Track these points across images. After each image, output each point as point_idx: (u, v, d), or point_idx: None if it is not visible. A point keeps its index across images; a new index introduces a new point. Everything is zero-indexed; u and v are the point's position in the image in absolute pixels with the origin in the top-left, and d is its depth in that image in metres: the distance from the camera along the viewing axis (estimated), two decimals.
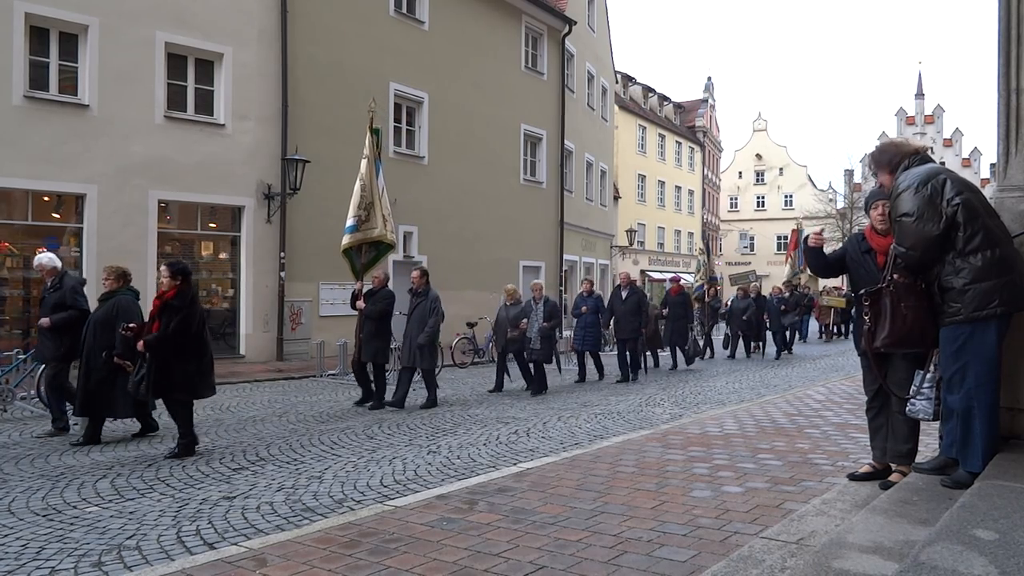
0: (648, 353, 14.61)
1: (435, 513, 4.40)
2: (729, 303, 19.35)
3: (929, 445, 4.90)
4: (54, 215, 13.46)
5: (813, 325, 26.24)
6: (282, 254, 15.50)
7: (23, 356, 9.09)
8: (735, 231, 59.97)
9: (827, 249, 4.60)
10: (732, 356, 17.87)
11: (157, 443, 7.17)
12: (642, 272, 40.87)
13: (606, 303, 13.20)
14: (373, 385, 9.65)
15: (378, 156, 10.33)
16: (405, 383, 9.59)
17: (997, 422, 3.50)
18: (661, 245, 45.16)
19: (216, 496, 5.21)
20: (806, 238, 4.64)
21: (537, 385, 11.00)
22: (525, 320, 11.05)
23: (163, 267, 6.84)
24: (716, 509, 4.40)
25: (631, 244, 37.07)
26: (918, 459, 4.13)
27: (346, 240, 9.96)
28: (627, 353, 12.69)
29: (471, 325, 16.22)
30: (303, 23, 15.98)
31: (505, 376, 11.47)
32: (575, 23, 25.14)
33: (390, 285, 10.30)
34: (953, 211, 3.44)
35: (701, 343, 18.09)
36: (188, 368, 6.54)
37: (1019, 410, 3.74)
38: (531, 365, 11.16)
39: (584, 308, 12.62)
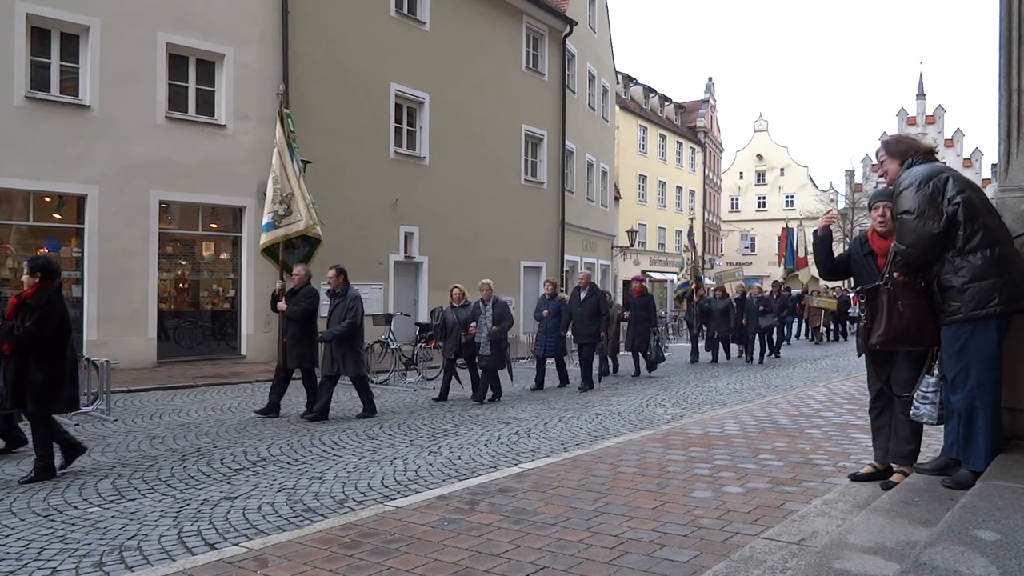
0: (608, 358, 13.78)
1: (436, 513, 4.40)
2: (708, 303, 18.13)
3: (931, 446, 4.89)
4: (55, 215, 13.47)
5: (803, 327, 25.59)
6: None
7: None
8: (736, 231, 59.97)
9: (836, 249, 4.64)
10: (715, 360, 16.56)
11: (158, 443, 7.17)
12: (643, 272, 40.88)
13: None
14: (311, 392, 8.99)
15: (292, 141, 9.44)
16: (325, 392, 8.74)
17: (1000, 422, 3.50)
18: (662, 245, 45.15)
19: (217, 496, 5.21)
20: (815, 232, 4.68)
21: (482, 392, 10.19)
22: (475, 324, 10.32)
23: (25, 263, 6.22)
24: (717, 510, 4.40)
25: (632, 244, 37.08)
26: (920, 459, 4.13)
27: (264, 239, 9.31)
28: (586, 359, 11.75)
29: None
30: (304, 24, 15.99)
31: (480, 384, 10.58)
32: (576, 23, 25.15)
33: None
34: (954, 209, 3.44)
35: (687, 347, 17.37)
36: (39, 377, 5.80)
37: (1019, 410, 3.74)
38: (481, 372, 10.44)
39: (546, 311, 11.78)
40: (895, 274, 3.71)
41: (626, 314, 14.10)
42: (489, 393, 10.30)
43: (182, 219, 14.90)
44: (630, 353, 14.04)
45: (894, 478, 4.10)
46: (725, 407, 9.24)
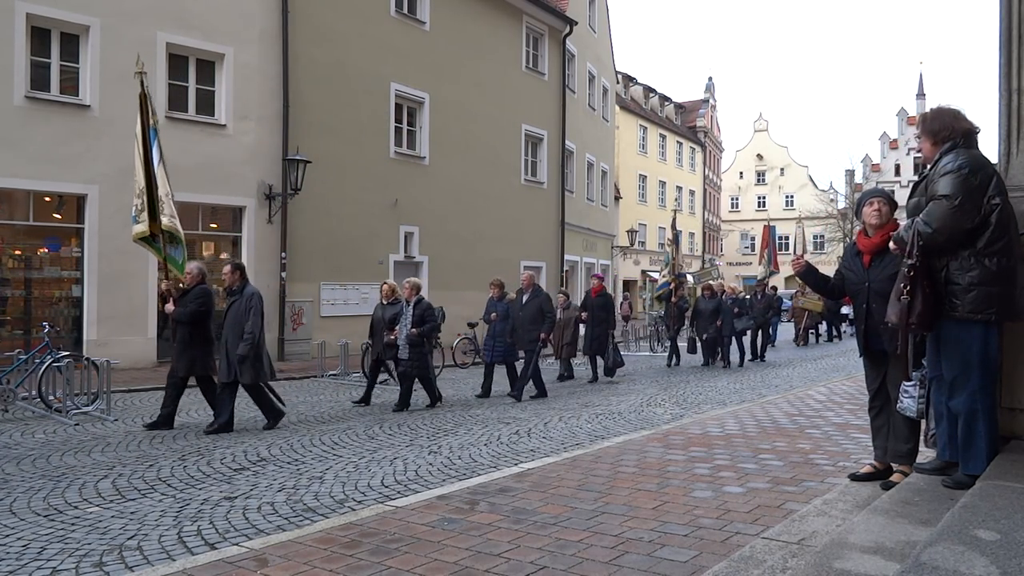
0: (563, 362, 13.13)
1: (436, 513, 4.40)
2: (687, 303, 17.16)
3: None
4: (55, 215, 13.47)
5: (785, 330, 24.40)
6: (283, 254, 15.51)
7: (24, 356, 9.11)
8: (736, 231, 60.00)
9: (823, 267, 4.59)
10: (707, 363, 15.59)
11: (158, 443, 7.17)
12: (643, 272, 40.93)
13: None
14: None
15: (153, 125, 8.47)
16: (227, 402, 7.88)
17: (996, 423, 3.50)
18: (662, 245, 45.15)
19: (217, 496, 5.21)
20: (794, 274, 4.62)
21: (400, 402, 9.42)
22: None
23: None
24: (717, 509, 4.40)
25: (632, 244, 37.10)
26: (919, 459, 4.13)
27: (136, 230, 8.69)
28: (530, 365, 10.68)
29: (472, 325, 16.21)
30: (304, 23, 15.99)
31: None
32: (576, 23, 25.15)
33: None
34: (991, 210, 3.38)
35: (678, 348, 16.15)
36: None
37: (1019, 410, 3.74)
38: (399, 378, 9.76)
39: (494, 315, 10.89)
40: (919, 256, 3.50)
41: (583, 315, 12.94)
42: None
43: (182, 219, 14.66)
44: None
45: (894, 478, 4.11)
46: (725, 407, 9.24)
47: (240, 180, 14.97)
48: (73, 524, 4.58)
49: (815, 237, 56.38)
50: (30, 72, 12.72)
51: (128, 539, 4.29)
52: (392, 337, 9.47)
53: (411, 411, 9.33)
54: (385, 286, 10.10)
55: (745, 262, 58.33)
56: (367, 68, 17.48)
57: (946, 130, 3.62)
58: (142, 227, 8.61)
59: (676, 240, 18.37)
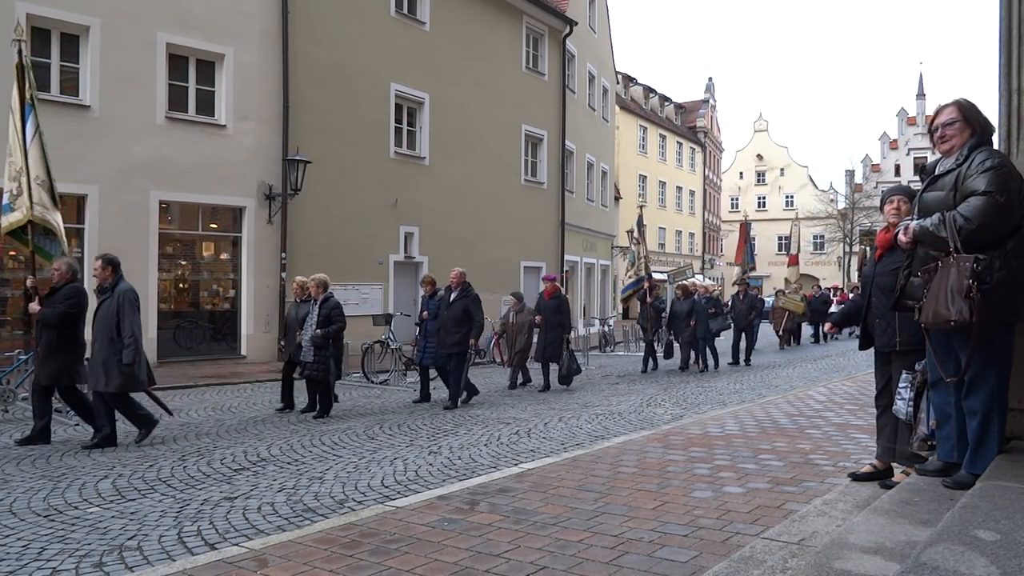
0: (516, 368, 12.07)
1: (436, 513, 4.40)
2: (663, 303, 16.08)
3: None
4: None
5: (766, 331, 22.73)
6: (283, 254, 15.51)
7: (24, 356, 9.10)
8: (736, 231, 59.99)
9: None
10: (684, 367, 14.65)
11: (158, 443, 7.17)
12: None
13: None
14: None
15: (30, 100, 7.57)
16: (105, 413, 7.01)
17: (1004, 424, 3.51)
18: (662, 246, 45.19)
19: (217, 496, 5.21)
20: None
21: (320, 409, 8.86)
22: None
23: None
24: (717, 510, 4.40)
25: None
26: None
27: (8, 220, 7.68)
28: (455, 372, 9.82)
29: None
30: (304, 24, 15.99)
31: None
32: (576, 23, 25.16)
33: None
34: None
35: (655, 352, 15.06)
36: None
37: (1020, 410, 3.74)
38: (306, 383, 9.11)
39: (425, 313, 10.26)
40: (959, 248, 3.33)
41: (538, 319, 11.96)
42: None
43: (182, 219, 14.90)
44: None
45: (895, 478, 4.11)
46: (725, 407, 9.24)
47: (240, 180, 14.97)
48: (73, 524, 4.58)
49: (815, 237, 56.45)
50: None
51: (128, 539, 4.29)
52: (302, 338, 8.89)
53: (410, 411, 9.33)
54: (295, 283, 9.47)
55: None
56: (367, 68, 17.48)
57: (988, 125, 3.54)
58: (18, 215, 7.51)
59: (642, 236, 16.73)
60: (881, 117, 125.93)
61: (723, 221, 59.58)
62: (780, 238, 57.42)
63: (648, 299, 15.63)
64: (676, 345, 15.28)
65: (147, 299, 13.76)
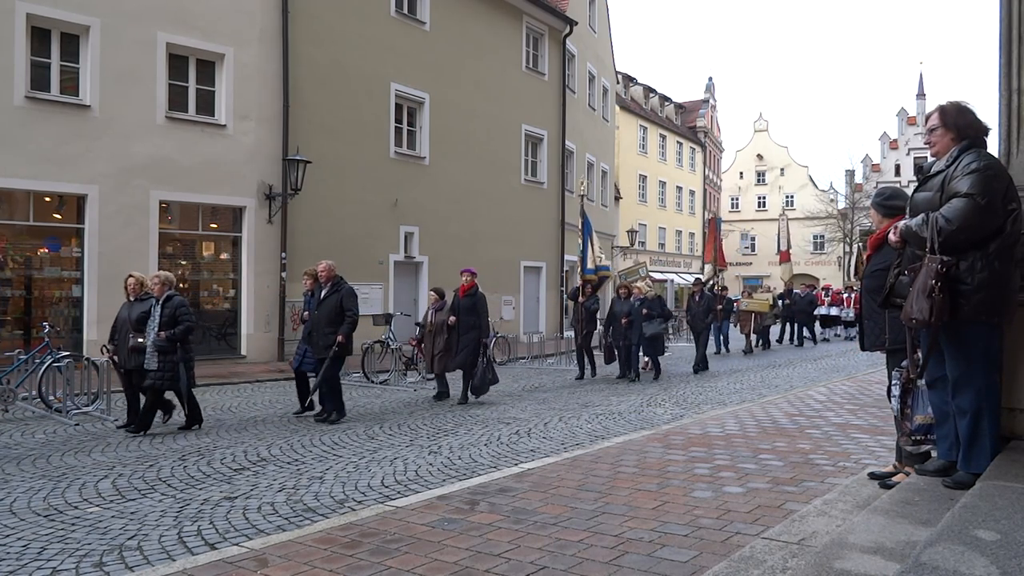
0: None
1: (436, 513, 4.40)
2: (596, 304, 14.48)
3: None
4: (55, 215, 13.47)
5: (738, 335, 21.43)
6: (283, 254, 15.51)
7: (24, 356, 9.11)
8: (736, 231, 59.98)
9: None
10: (623, 375, 13.25)
11: (158, 443, 7.17)
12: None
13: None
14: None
15: None
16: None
17: (998, 423, 3.51)
18: (662, 245, 45.22)
19: (217, 496, 5.21)
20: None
21: (140, 421, 7.71)
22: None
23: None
24: (717, 509, 4.40)
25: (632, 244, 37.11)
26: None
27: None
28: (329, 379, 8.59)
29: None
30: (304, 23, 15.99)
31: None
32: (576, 23, 25.15)
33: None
34: (1008, 215, 3.36)
35: (580, 359, 13.66)
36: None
37: (1019, 410, 3.74)
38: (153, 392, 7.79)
39: (306, 313, 9.00)
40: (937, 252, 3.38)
41: (451, 320, 10.35)
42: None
43: (182, 219, 14.90)
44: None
45: (897, 478, 4.12)
46: (725, 407, 9.24)
47: (240, 180, 14.97)
48: (73, 524, 4.59)
49: (815, 237, 56.47)
50: (30, 72, 12.71)
51: (128, 539, 4.29)
52: (140, 340, 7.74)
53: (410, 411, 9.33)
54: (131, 279, 8.28)
55: (745, 262, 58.34)
56: (367, 68, 17.48)
57: (972, 128, 3.56)
58: None
59: (587, 225, 14.76)
60: (881, 117, 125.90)
61: (723, 221, 59.55)
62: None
63: (581, 298, 14.08)
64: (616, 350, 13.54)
65: None
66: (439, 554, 3.70)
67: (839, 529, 3.27)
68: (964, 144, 3.51)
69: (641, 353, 13.40)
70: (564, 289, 23.88)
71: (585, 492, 4.82)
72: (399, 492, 5.27)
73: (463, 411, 9.33)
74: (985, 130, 3.57)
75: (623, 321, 13.05)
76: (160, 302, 7.85)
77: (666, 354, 14.57)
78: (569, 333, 17.21)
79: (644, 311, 13.24)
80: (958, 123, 3.55)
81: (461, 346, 10.24)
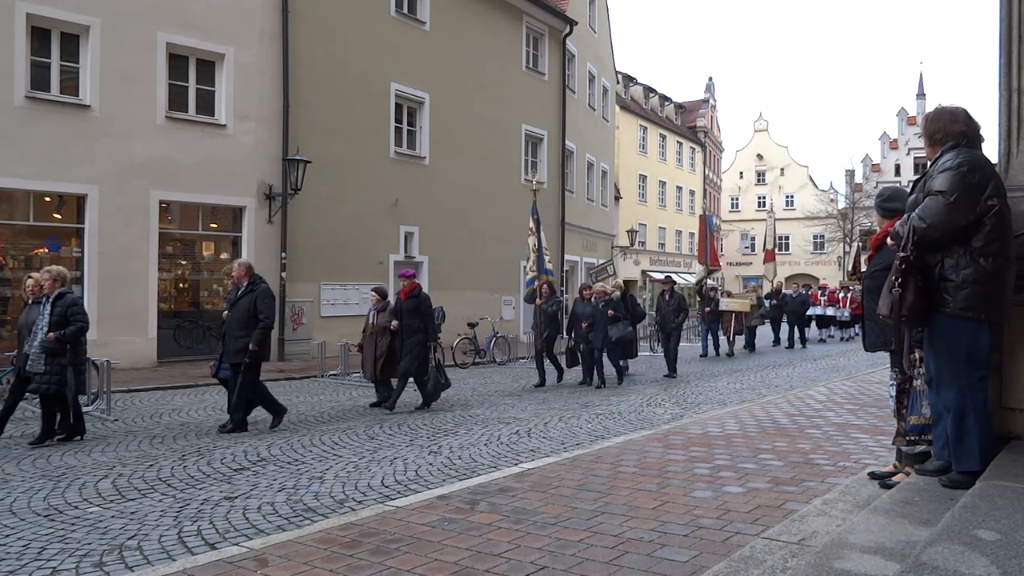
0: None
1: (436, 513, 4.40)
2: (558, 306, 13.40)
3: None
4: (55, 215, 13.47)
5: (764, 334, 21.47)
6: (283, 254, 15.51)
7: None
8: (736, 231, 59.98)
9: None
10: (585, 381, 12.35)
11: (158, 443, 7.17)
12: (643, 272, 40.95)
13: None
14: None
15: None
16: None
17: (988, 422, 3.50)
18: (662, 245, 45.22)
19: (217, 496, 5.21)
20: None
21: (42, 432, 7.15)
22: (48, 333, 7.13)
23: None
24: (717, 509, 4.40)
25: (632, 244, 37.10)
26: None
27: None
28: (244, 385, 7.85)
29: (472, 325, 16.22)
30: (304, 23, 16.00)
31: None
32: (576, 23, 25.15)
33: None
34: (987, 211, 3.38)
35: (539, 364, 12.46)
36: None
37: (1019, 410, 3.74)
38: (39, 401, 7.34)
39: (226, 313, 8.20)
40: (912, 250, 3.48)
41: (394, 324, 9.63)
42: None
43: (182, 219, 14.90)
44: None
45: (897, 478, 4.12)
46: (725, 407, 9.24)
47: (240, 180, 14.98)
48: (73, 524, 4.59)
49: (815, 237, 56.47)
50: (30, 72, 12.72)
51: (128, 539, 4.29)
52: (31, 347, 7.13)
53: (410, 411, 9.32)
54: (30, 280, 7.67)
55: (745, 262, 58.31)
56: (367, 68, 17.48)
57: (940, 132, 3.67)
58: None
59: (538, 225, 13.60)
60: (881, 117, 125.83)
61: (723, 221, 59.54)
62: (781, 238, 57.36)
63: (539, 300, 13.01)
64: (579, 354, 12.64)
65: (147, 299, 13.80)
66: (439, 554, 3.70)
67: (839, 529, 3.27)
68: (948, 145, 3.60)
69: (606, 358, 12.24)
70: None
71: (585, 492, 4.82)
72: (399, 492, 5.27)
73: (463, 411, 9.33)
74: (961, 133, 3.61)
75: (583, 325, 12.09)
76: (51, 300, 7.22)
77: (636, 358, 13.84)
78: (528, 335, 15.76)
79: (609, 312, 12.13)
80: (929, 130, 3.72)
81: (405, 351, 9.51)
